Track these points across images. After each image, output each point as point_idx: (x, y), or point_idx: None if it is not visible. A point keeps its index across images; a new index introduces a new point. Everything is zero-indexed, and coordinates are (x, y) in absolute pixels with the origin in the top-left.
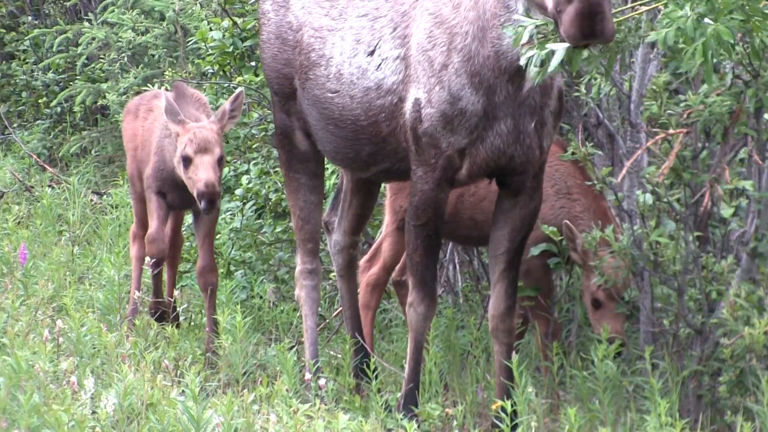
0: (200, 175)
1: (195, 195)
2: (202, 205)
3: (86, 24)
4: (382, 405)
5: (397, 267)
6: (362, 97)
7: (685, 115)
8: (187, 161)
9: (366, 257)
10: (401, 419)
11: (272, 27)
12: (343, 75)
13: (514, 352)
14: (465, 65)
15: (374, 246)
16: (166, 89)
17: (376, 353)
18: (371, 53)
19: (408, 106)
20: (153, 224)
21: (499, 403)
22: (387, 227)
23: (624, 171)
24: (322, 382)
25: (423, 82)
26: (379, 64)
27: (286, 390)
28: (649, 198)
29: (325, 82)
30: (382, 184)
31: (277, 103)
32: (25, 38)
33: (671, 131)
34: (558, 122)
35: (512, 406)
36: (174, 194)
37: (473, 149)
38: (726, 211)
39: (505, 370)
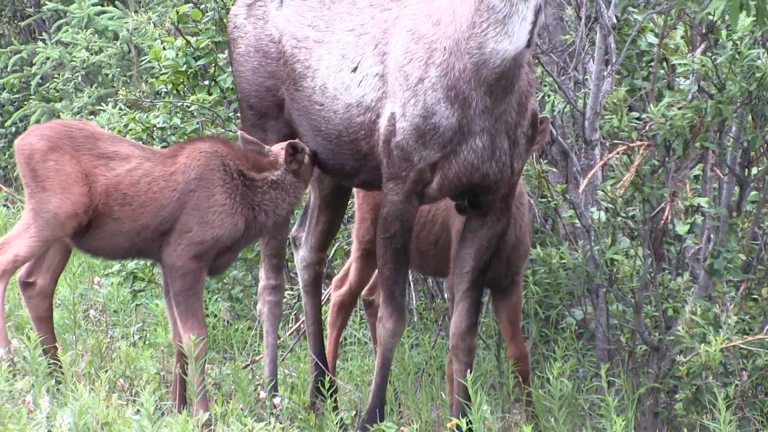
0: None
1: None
2: None
3: (41, 44)
4: (337, 423)
5: (367, 286)
6: (344, 113)
7: (646, 128)
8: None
9: (339, 275)
10: None
11: (251, 40)
12: (328, 89)
13: (468, 370)
14: (442, 80)
15: (346, 266)
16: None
17: (332, 371)
18: (354, 69)
19: (383, 121)
20: (201, 319)
21: (455, 421)
22: (353, 254)
23: (584, 185)
24: (277, 400)
25: (399, 97)
26: (360, 81)
27: (241, 408)
28: (603, 215)
29: (312, 94)
30: (348, 202)
31: (250, 118)
32: None
33: (632, 144)
34: (531, 146)
35: (467, 424)
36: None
37: (445, 164)
38: (681, 228)
39: (464, 388)
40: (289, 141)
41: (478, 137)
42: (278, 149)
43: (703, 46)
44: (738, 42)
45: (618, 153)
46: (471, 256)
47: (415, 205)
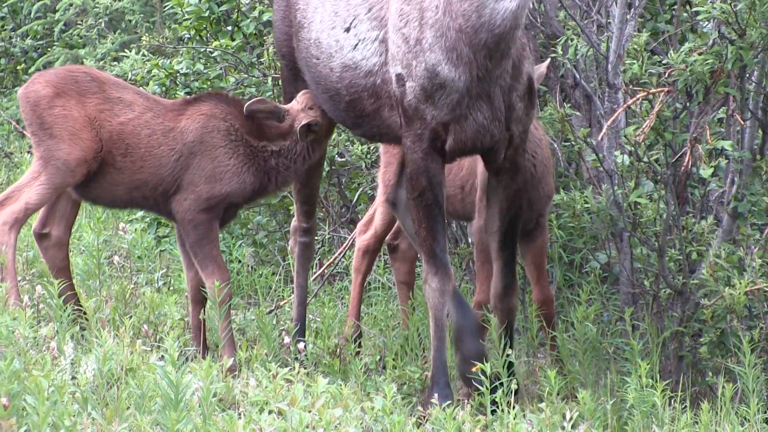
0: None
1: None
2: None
3: None
4: (361, 368)
5: (392, 231)
6: (341, 72)
7: (666, 74)
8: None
9: (364, 220)
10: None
11: None
12: (322, 44)
13: (505, 328)
14: (439, 41)
15: (370, 211)
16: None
17: (357, 316)
18: (347, 30)
19: (393, 84)
20: (221, 264)
21: (479, 365)
22: (379, 198)
23: (604, 130)
24: (301, 345)
25: (399, 59)
26: (356, 45)
27: (265, 354)
28: (626, 159)
29: (309, 47)
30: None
31: (283, 70)
32: (3, 5)
33: (652, 90)
34: (530, 110)
35: (491, 368)
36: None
37: (457, 126)
38: (705, 172)
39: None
40: (305, 119)
41: (483, 100)
42: (296, 110)
43: None
44: None
45: (638, 99)
46: (496, 216)
47: (438, 162)
